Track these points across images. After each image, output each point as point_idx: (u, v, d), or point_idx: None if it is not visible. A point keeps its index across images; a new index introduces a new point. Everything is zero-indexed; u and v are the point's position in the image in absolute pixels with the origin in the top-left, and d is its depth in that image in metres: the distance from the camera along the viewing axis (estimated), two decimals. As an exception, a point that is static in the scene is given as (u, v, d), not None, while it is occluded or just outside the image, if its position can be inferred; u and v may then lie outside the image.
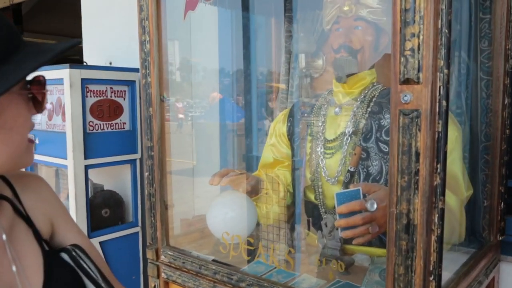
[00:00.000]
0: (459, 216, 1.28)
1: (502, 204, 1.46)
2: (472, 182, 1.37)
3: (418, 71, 0.85)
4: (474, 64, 1.45)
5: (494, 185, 1.45)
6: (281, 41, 1.91)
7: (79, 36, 2.77)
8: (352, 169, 1.37)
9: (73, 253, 0.81)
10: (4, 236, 0.73)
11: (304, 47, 1.80)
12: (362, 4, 1.38)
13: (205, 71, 2.19)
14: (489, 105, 1.44)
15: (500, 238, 1.48)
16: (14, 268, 0.72)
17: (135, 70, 2.24)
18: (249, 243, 1.32)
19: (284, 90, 1.86)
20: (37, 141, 2.23)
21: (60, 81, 2.01)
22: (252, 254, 1.32)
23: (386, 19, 1.35)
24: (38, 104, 0.72)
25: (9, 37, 0.65)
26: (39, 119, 2.28)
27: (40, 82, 0.73)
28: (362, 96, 1.42)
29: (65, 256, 0.81)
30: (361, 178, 1.36)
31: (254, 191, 1.48)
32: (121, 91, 2.15)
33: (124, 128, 2.18)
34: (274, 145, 1.65)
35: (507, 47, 1.41)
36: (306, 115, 1.57)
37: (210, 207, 1.43)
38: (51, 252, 0.81)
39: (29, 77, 0.71)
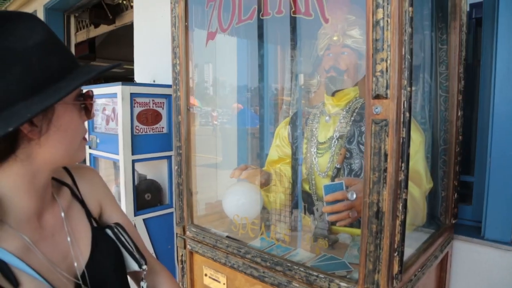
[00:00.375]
0: (421, 204, 1.25)
1: (455, 194, 1.44)
2: (432, 177, 1.34)
3: (386, 88, 0.83)
4: (434, 84, 1.42)
5: (450, 179, 1.43)
6: (285, 64, 1.89)
7: (133, 60, 2.80)
8: (338, 166, 1.35)
9: (115, 229, 0.82)
10: (62, 214, 0.74)
11: (303, 69, 1.78)
12: (347, 35, 1.35)
13: (230, 87, 2.18)
14: (446, 117, 1.43)
15: (454, 221, 1.45)
16: (69, 239, 0.73)
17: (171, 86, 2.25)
18: (253, 224, 1.30)
19: (287, 102, 1.84)
20: (98, 141, 2.26)
21: (115, 95, 2.03)
22: (258, 232, 1.31)
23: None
24: (88, 112, 0.73)
25: (66, 63, 0.66)
26: (100, 124, 2.31)
27: (89, 96, 0.73)
28: (347, 108, 1.39)
29: (109, 231, 0.81)
30: (345, 173, 1.34)
31: (266, 183, 1.47)
32: (160, 102, 2.16)
33: (162, 131, 2.19)
34: (278, 146, 1.63)
35: (460, 71, 1.39)
36: (303, 122, 1.55)
37: (225, 194, 1.42)
38: (98, 228, 0.81)
39: (83, 91, 0.73)
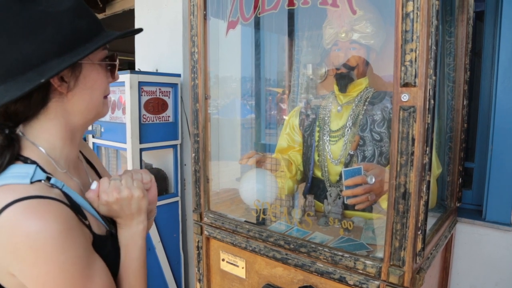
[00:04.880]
0: (433, 188, 1.32)
1: (460, 179, 1.52)
2: (440, 163, 1.41)
3: (415, 77, 0.88)
4: (442, 74, 1.49)
5: (455, 165, 1.51)
6: (293, 54, 1.92)
7: (132, 51, 2.77)
8: (351, 153, 1.40)
9: None
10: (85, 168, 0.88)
11: (311, 59, 1.82)
12: (355, 30, 1.38)
13: (233, 78, 2.19)
14: (453, 105, 1.50)
15: (458, 205, 1.54)
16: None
17: (178, 75, 2.25)
18: (273, 209, 1.35)
19: (294, 92, 1.88)
20: (102, 130, 2.25)
21: (122, 84, 2.03)
22: (279, 217, 1.36)
23: (374, 41, 1.38)
24: (112, 74, 0.81)
25: (94, 26, 0.73)
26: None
27: (113, 57, 0.80)
28: (359, 97, 1.44)
29: None
30: (359, 159, 1.39)
31: (274, 169, 1.51)
32: (167, 91, 2.17)
33: (168, 120, 2.20)
34: (288, 134, 1.67)
35: (466, 62, 1.47)
36: (314, 111, 1.60)
37: (243, 181, 1.46)
38: None
39: (108, 54, 0.79)
